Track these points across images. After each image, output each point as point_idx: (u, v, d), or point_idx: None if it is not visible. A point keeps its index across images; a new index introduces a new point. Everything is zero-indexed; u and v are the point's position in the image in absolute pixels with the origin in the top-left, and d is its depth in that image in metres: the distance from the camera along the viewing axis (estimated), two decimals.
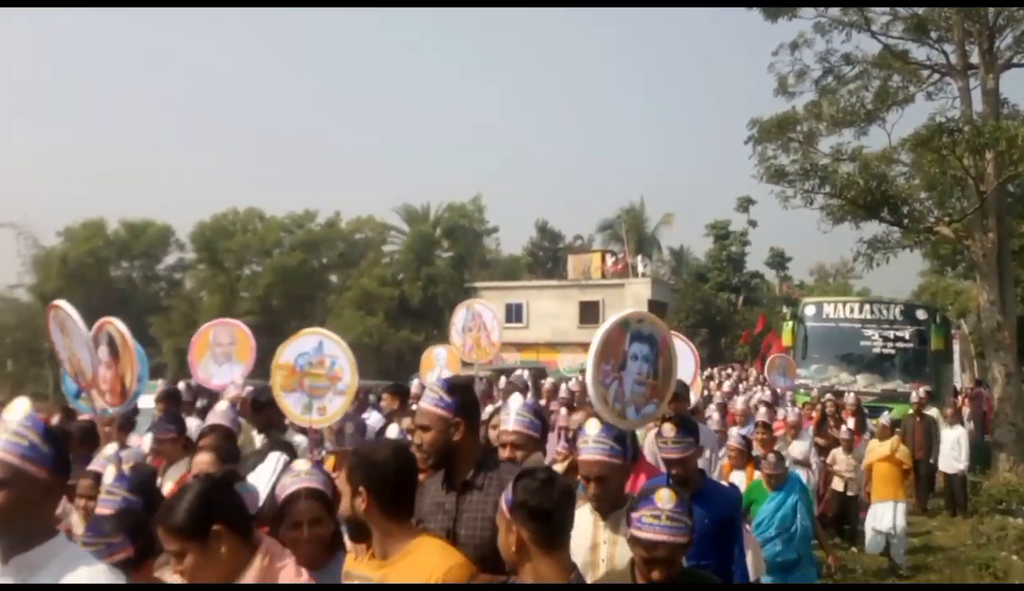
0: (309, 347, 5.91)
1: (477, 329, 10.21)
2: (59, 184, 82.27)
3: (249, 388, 7.60)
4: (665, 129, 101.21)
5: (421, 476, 3.34)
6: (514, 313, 41.48)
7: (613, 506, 3.57)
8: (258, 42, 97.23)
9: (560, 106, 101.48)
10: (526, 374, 12.78)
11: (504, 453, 4.23)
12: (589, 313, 39.82)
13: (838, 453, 11.10)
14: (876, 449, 10.80)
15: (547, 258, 53.60)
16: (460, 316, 10.57)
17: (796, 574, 6.86)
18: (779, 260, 55.02)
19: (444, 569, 2.80)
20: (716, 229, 48.82)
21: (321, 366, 5.85)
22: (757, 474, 7.36)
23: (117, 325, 6.40)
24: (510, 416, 4.38)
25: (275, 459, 3.70)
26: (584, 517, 3.54)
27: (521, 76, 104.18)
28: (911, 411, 13.93)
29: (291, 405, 5.86)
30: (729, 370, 27.41)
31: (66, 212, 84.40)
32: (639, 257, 44.27)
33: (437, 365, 11.54)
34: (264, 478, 3.54)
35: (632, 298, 39.91)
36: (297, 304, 46.11)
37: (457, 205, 49.35)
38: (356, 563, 3.06)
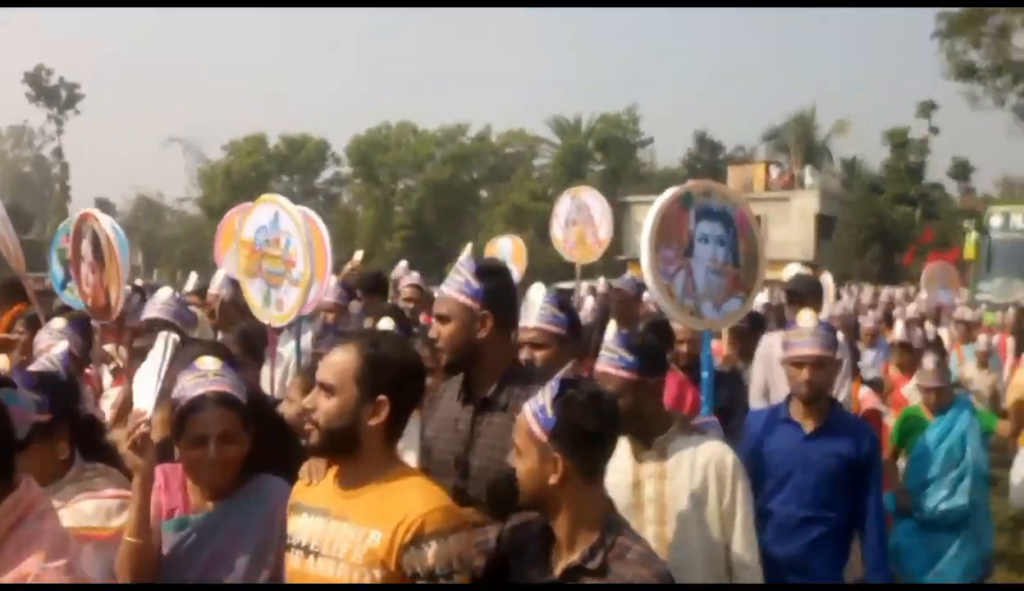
0: (266, 219, 4.60)
1: (583, 222, 8.55)
2: (223, 101, 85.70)
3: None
4: (839, 28, 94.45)
5: (429, 380, 2.73)
6: None
7: (652, 430, 2.85)
8: None
9: (720, 8, 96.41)
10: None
11: (523, 355, 3.33)
12: None
13: (971, 369, 9.01)
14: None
15: (706, 170, 51.13)
16: (564, 206, 8.91)
17: (967, 533, 5.24)
18: (962, 171, 50.44)
19: (422, 512, 2.07)
20: (894, 137, 45.07)
21: (276, 246, 4.53)
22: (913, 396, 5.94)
23: (102, 223, 4.99)
24: (531, 311, 3.48)
25: (163, 341, 2.68)
26: (620, 447, 2.67)
27: None
28: None
29: (253, 294, 4.67)
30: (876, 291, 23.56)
31: (230, 128, 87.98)
32: (807, 168, 41.77)
33: (501, 258, 9.87)
34: (149, 372, 2.60)
35: (798, 212, 37.92)
36: (449, 219, 46.28)
37: (611, 116, 47.95)
38: (308, 492, 2.28)
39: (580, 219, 8.56)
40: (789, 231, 37.84)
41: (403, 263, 8.76)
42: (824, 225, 38.41)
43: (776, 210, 38.42)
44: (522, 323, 3.44)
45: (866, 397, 5.70)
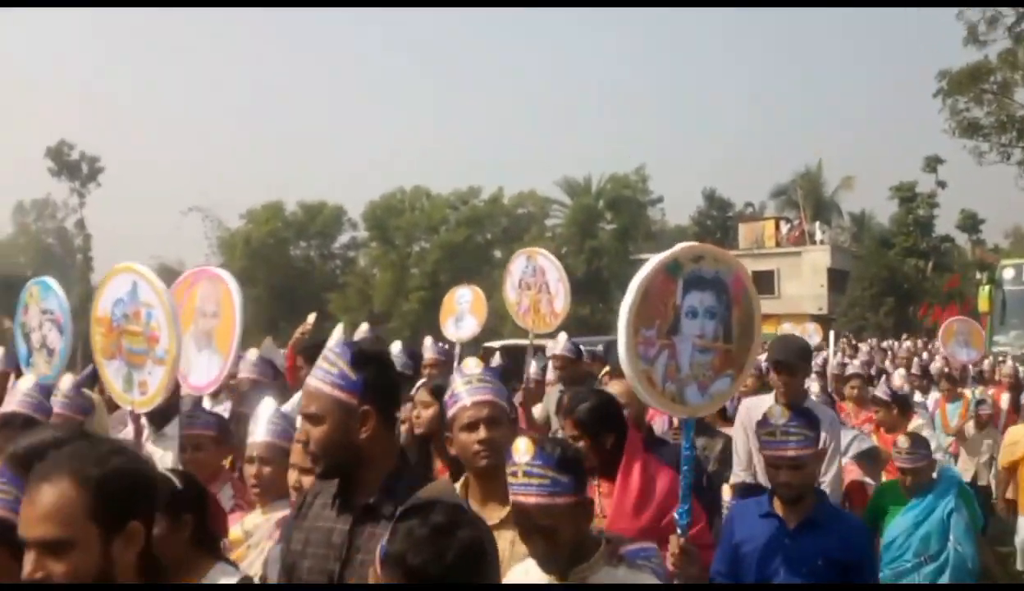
0: (123, 291, 3.98)
1: (538, 288, 7.68)
2: (240, 169, 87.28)
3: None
4: (842, 86, 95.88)
5: (305, 480, 2.62)
6: None
7: (573, 559, 2.34)
8: (415, 31, 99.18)
9: (724, 68, 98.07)
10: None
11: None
12: (763, 283, 38.32)
13: (969, 428, 8.59)
14: (1022, 442, 7.45)
15: (716, 227, 51.84)
16: (518, 265, 7.92)
17: None
18: (971, 223, 50.79)
19: None
20: (901, 192, 45.53)
21: (137, 320, 3.91)
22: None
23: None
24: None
25: None
26: (529, 573, 2.40)
27: (682, 39, 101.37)
28: None
29: (111, 377, 4.02)
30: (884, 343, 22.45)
31: (247, 196, 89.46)
32: (816, 223, 42.24)
33: (458, 309, 9.03)
34: None
35: (810, 266, 38.25)
36: (464, 279, 46.61)
37: (620, 176, 48.46)
38: None
39: (534, 283, 7.75)
40: (801, 286, 38.13)
41: (364, 326, 8.25)
42: (836, 279, 38.66)
43: (788, 264, 38.77)
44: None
45: (849, 468, 5.12)
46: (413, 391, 4.42)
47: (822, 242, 39.84)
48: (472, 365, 2.88)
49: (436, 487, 1.99)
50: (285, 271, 47.55)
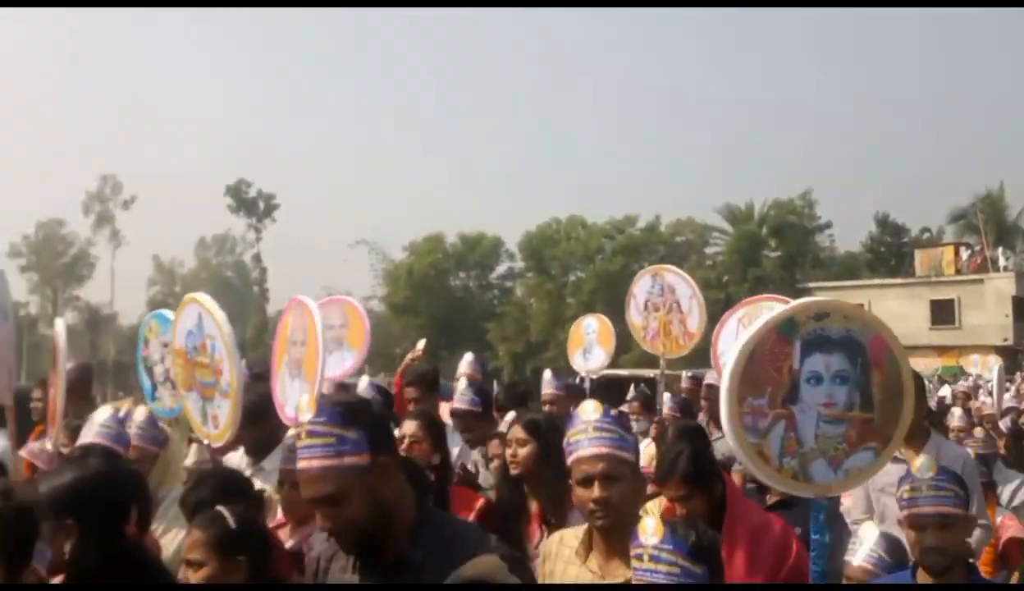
0: (192, 323, 4.03)
1: (668, 309, 6.89)
2: (403, 203, 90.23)
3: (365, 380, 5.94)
4: (1021, 101, 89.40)
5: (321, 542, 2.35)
6: None
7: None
8: (570, 57, 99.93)
9: (898, 85, 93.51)
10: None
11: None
12: (943, 313, 36.38)
13: None
14: None
15: (890, 254, 49.34)
16: (642, 287, 7.17)
17: None
18: None
19: None
20: None
21: (204, 352, 3.94)
22: None
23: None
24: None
25: None
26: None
27: (852, 54, 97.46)
28: None
29: (191, 409, 4.11)
30: None
31: (410, 229, 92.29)
32: (999, 249, 39.68)
33: (586, 340, 8.67)
34: None
35: (993, 294, 36.05)
36: (620, 308, 46.18)
37: (784, 201, 47.10)
38: None
39: (663, 304, 7.02)
40: (984, 315, 36.12)
41: (468, 356, 7.52)
42: (1021, 308, 36.02)
43: (970, 293, 36.80)
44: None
45: (1007, 523, 4.71)
46: (504, 427, 4.28)
47: (1006, 269, 37.73)
48: (590, 410, 2.61)
49: (482, 566, 1.87)
50: (445, 301, 48.69)
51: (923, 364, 30.62)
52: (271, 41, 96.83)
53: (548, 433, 3.48)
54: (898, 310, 37.29)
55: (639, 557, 2.06)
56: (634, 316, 7.17)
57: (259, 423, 4.26)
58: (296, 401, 3.97)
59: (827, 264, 48.25)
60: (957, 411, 6.94)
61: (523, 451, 3.59)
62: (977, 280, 37.31)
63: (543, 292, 48.60)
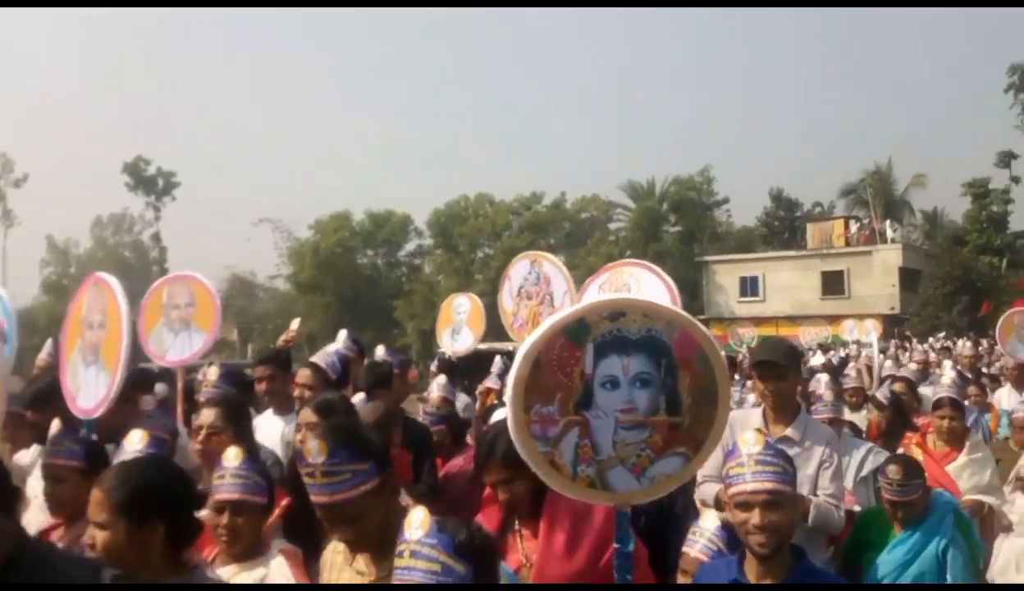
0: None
1: (540, 299, 6.43)
2: (309, 181, 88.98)
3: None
4: (913, 82, 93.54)
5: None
6: (749, 286, 40.21)
7: None
8: (473, 37, 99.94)
9: (791, 65, 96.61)
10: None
11: None
12: (833, 284, 37.92)
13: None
14: None
15: (784, 228, 51.17)
16: (519, 271, 6.69)
17: None
18: None
19: None
20: (974, 188, 44.39)
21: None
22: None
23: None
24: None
25: None
26: None
27: (745, 35, 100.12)
28: None
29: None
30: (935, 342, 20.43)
31: (316, 206, 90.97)
32: (887, 222, 41.48)
33: (456, 320, 8.54)
34: None
35: (881, 266, 37.62)
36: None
37: (684, 178, 48.39)
38: None
39: (536, 293, 6.56)
40: (872, 286, 37.55)
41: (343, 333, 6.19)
42: (908, 278, 37.89)
43: (859, 264, 38.22)
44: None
45: (847, 497, 4.38)
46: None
47: (893, 241, 39.34)
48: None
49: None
50: (353, 279, 48.36)
51: (814, 332, 32.01)
52: (171, 14, 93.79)
53: (340, 414, 3.37)
54: (791, 281, 38.89)
55: (400, 554, 2.01)
56: (506, 300, 6.79)
57: (45, 411, 4.13)
58: (93, 391, 3.92)
59: (724, 238, 49.55)
60: (824, 378, 6.79)
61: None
62: (866, 252, 38.58)
63: (451, 269, 48.78)
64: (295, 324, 6.68)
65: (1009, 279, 38.56)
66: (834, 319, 35.08)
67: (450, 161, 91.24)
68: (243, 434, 3.68)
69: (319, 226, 49.67)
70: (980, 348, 15.09)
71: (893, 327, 33.13)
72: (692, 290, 43.96)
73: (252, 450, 3.38)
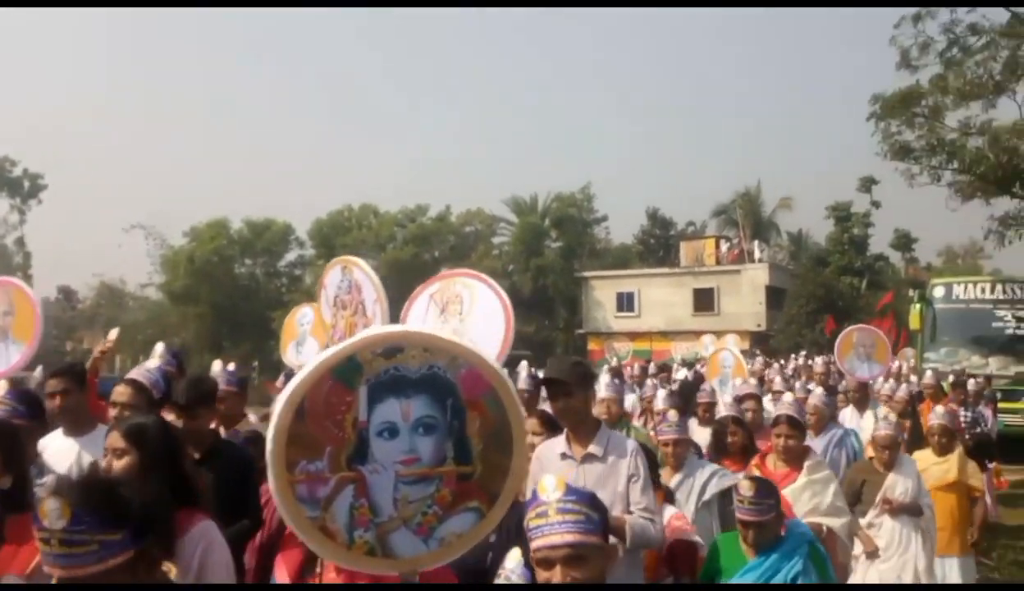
0: None
1: (354, 309, 6.02)
2: (185, 187, 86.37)
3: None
4: (781, 109, 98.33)
5: None
6: (626, 302, 41.32)
7: None
8: (363, 38, 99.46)
9: (670, 90, 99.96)
10: None
11: None
12: (704, 301, 39.32)
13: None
14: (930, 469, 6.56)
15: (659, 246, 52.87)
16: (332, 278, 6.19)
17: None
18: (904, 242, 52.60)
19: None
20: (837, 211, 47.08)
21: None
22: None
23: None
24: None
25: None
26: None
27: (628, 62, 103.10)
28: None
29: None
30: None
31: (192, 214, 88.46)
32: (756, 242, 43.35)
33: (300, 331, 8.26)
34: None
35: (749, 284, 39.20)
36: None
37: (565, 195, 49.40)
38: None
39: (349, 302, 6.10)
40: (741, 303, 39.00)
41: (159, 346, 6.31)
42: (774, 297, 39.66)
43: (728, 282, 39.64)
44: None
45: (673, 524, 4.19)
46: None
47: (760, 260, 40.75)
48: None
49: None
50: (230, 289, 47.17)
51: (686, 348, 33.33)
52: (41, 16, 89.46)
53: (154, 442, 3.00)
54: (665, 298, 40.22)
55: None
56: (324, 311, 6.31)
57: None
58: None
59: (603, 255, 50.77)
60: (661, 393, 7.05)
61: (120, 463, 2.96)
62: (735, 271, 39.95)
63: None
64: (113, 334, 6.15)
65: (868, 299, 41.00)
66: (704, 335, 36.44)
67: (334, 170, 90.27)
68: (14, 459, 3.39)
69: (195, 233, 48.25)
70: (833, 365, 16.04)
71: (759, 344, 34.82)
72: (572, 305, 44.98)
73: (21, 477, 3.31)
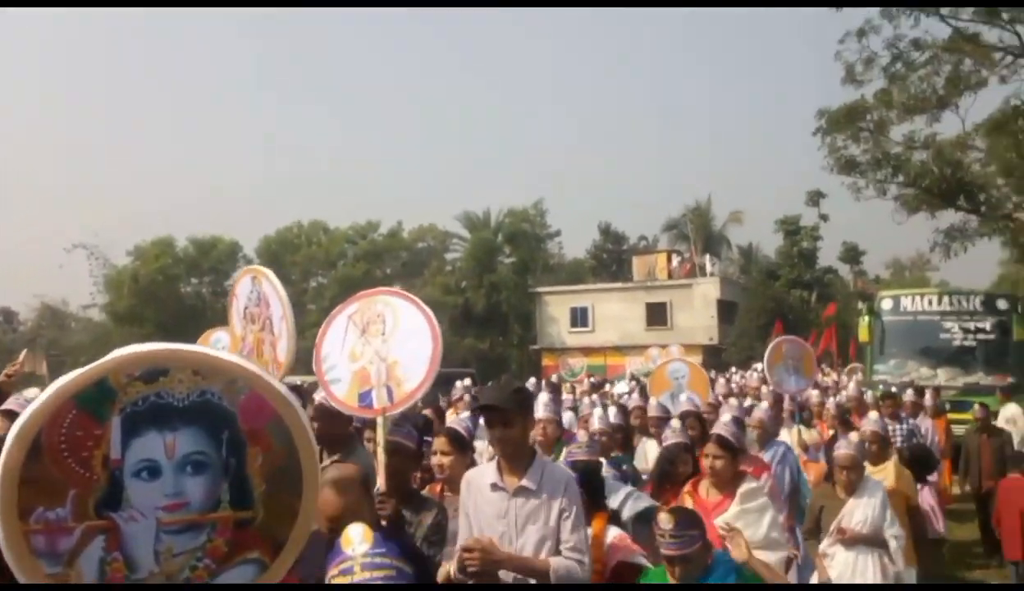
0: None
1: (262, 324, 5.44)
2: (129, 206, 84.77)
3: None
4: (730, 124, 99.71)
5: None
6: (579, 317, 41.34)
7: None
8: (323, 52, 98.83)
9: (621, 105, 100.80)
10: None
11: None
12: (657, 315, 39.48)
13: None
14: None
15: (611, 260, 53.15)
16: (243, 288, 5.65)
17: None
18: (852, 255, 53.57)
19: None
20: (786, 225, 47.80)
21: None
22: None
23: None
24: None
25: None
26: None
27: (579, 78, 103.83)
28: (975, 424, 10.57)
29: None
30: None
31: (136, 232, 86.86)
32: (707, 256, 43.81)
33: None
34: None
35: (701, 298, 39.51)
36: None
37: (518, 210, 49.40)
38: None
39: (258, 316, 5.56)
40: (693, 317, 39.27)
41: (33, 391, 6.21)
42: (726, 310, 40.01)
43: (680, 296, 39.91)
44: None
45: (616, 546, 3.97)
46: None
47: (712, 274, 41.14)
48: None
49: None
50: (175, 309, 46.25)
51: (639, 361, 33.40)
52: None
53: None
54: (618, 312, 40.34)
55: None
56: (235, 323, 5.70)
57: None
58: None
59: (556, 270, 50.87)
60: (597, 412, 6.78)
61: None
62: (686, 285, 40.19)
63: None
64: (22, 356, 5.80)
65: (818, 312, 41.56)
66: (651, 348, 36.50)
67: (283, 187, 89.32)
68: None
69: (139, 253, 47.35)
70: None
71: (712, 357, 35.02)
72: (525, 321, 44.90)
73: None
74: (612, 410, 7.25)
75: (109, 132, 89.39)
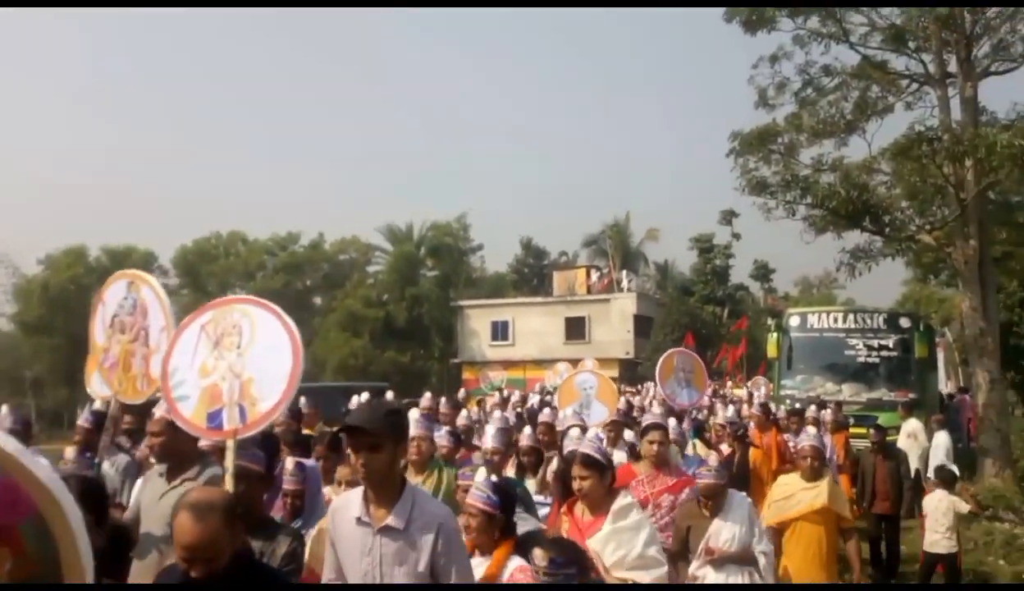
0: None
1: (135, 335, 5.02)
2: (39, 212, 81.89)
3: None
4: (648, 144, 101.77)
5: None
6: (500, 331, 41.56)
7: None
8: (242, 61, 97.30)
9: (541, 123, 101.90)
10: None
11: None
12: (576, 329, 39.94)
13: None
14: (798, 495, 6.24)
15: (532, 275, 53.60)
16: (114, 293, 5.25)
17: None
18: (763, 272, 55.26)
19: None
20: (700, 242, 49.08)
21: None
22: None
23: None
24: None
25: None
26: None
27: (501, 93, 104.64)
28: (871, 444, 10.41)
29: None
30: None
31: (47, 240, 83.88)
32: (624, 272, 44.46)
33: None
34: None
35: (618, 313, 40.10)
36: None
37: (441, 224, 49.49)
38: None
39: (130, 325, 5.09)
40: (610, 331, 39.83)
41: (4, 408, 6.37)
42: (642, 325, 40.68)
43: (598, 311, 40.44)
44: None
45: (518, 576, 3.60)
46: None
47: (629, 290, 41.72)
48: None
49: None
50: (87, 320, 44.69)
51: (549, 376, 33.65)
52: None
53: None
54: (539, 327, 40.70)
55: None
56: (97, 331, 5.18)
57: None
58: None
59: (478, 284, 51.08)
60: (490, 429, 6.42)
61: None
62: (604, 300, 40.72)
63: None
64: None
65: (729, 327, 42.69)
66: (576, 363, 36.72)
67: (201, 196, 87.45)
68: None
69: (50, 262, 45.88)
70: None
71: (628, 371, 35.61)
72: (447, 334, 44.94)
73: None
74: (527, 430, 6.90)
75: (21, 137, 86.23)
